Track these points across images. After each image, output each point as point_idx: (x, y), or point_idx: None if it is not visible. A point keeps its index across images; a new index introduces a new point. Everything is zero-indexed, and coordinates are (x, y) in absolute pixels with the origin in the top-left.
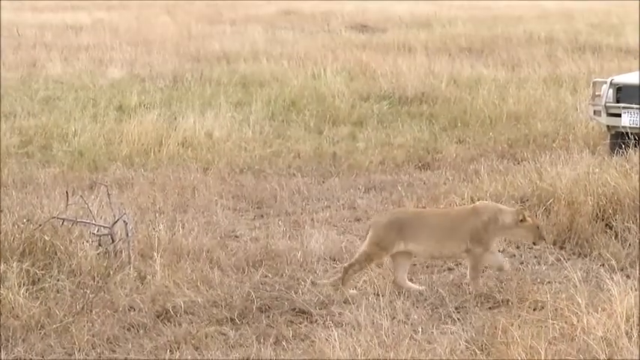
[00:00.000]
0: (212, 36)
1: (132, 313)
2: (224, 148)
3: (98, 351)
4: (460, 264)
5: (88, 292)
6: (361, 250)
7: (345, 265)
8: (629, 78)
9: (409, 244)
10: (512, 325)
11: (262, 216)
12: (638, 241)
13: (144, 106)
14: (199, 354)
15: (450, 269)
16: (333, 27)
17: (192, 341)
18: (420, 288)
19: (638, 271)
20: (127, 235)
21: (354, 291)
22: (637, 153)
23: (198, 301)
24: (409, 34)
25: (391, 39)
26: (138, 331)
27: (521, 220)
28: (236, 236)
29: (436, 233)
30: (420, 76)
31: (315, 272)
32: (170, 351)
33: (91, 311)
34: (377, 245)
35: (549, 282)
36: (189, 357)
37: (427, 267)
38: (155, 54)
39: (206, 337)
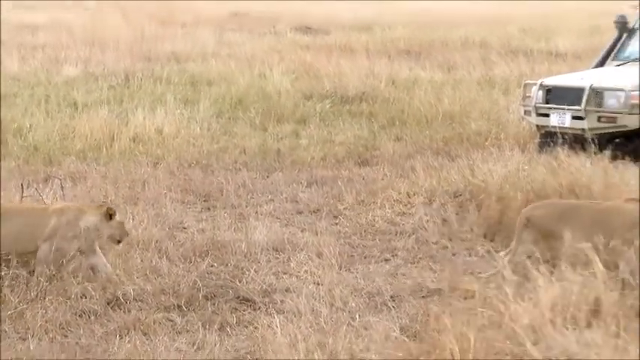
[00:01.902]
0: (164, 37)
1: (84, 301)
2: (173, 144)
3: (51, 336)
4: (396, 255)
5: (43, 280)
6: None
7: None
8: (558, 80)
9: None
10: (443, 313)
11: (209, 208)
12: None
13: (97, 103)
14: (147, 339)
15: (386, 260)
16: (279, 29)
17: (141, 327)
18: None
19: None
20: None
21: None
22: (564, 151)
23: (147, 289)
24: (351, 36)
25: (334, 41)
26: (89, 317)
27: None
28: (184, 228)
29: (588, 226)
30: (361, 76)
31: (259, 262)
32: (120, 336)
33: (45, 298)
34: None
35: (479, 272)
36: (137, 342)
37: (365, 257)
38: (109, 53)
39: (154, 323)
